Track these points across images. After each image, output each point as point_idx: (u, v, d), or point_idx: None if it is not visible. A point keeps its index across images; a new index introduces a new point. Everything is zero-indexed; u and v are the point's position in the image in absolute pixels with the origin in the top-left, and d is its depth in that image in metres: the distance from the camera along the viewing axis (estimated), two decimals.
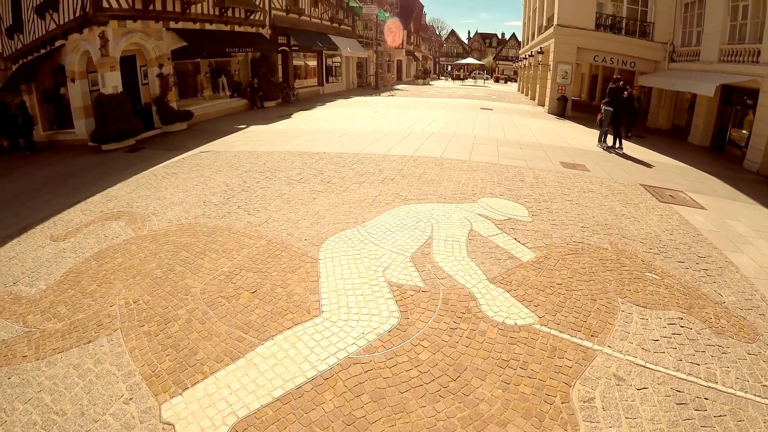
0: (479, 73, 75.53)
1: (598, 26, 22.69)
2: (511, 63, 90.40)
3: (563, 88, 23.60)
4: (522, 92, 42.02)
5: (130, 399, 3.84)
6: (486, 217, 7.10)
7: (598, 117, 14.71)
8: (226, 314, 4.76)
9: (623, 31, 22.92)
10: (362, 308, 4.75)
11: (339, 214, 7.16)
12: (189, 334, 4.48)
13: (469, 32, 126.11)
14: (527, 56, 36.65)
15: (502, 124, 17.37)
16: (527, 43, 38.44)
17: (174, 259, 6.05)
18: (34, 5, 18.48)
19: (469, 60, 77.56)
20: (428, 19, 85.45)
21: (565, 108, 23.38)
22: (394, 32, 24.71)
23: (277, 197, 8.30)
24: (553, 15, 24.43)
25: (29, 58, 20.41)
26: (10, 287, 6.03)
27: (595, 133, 15.82)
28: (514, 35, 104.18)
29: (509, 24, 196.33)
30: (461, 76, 72.89)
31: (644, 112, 22.60)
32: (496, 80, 75.17)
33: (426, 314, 4.73)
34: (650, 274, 5.73)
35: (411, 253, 5.82)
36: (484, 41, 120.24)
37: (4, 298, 5.73)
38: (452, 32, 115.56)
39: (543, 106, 26.83)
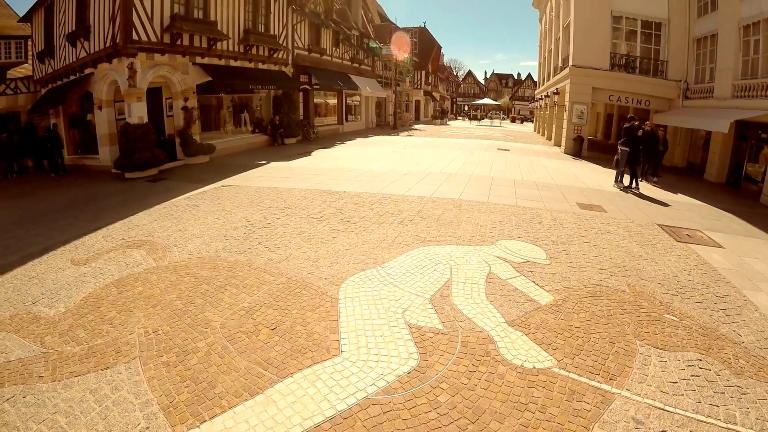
0: (496, 114, 76.15)
1: (612, 66, 22.95)
2: (527, 103, 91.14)
3: (579, 128, 23.73)
4: (538, 132, 42.24)
5: (147, 428, 3.83)
6: (504, 259, 7.08)
7: (615, 157, 14.71)
8: (245, 349, 4.75)
9: (637, 70, 23.17)
10: (382, 349, 4.74)
11: (359, 254, 7.18)
12: (208, 368, 4.48)
13: (485, 72, 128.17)
14: (543, 96, 36.92)
15: (519, 165, 17.45)
16: (543, 84, 38.81)
17: (194, 292, 6.09)
18: (66, 33, 19.39)
19: (486, 100, 78.45)
20: (446, 59, 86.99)
21: (581, 148, 23.45)
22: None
23: (297, 235, 8.34)
24: (568, 56, 24.76)
25: (58, 83, 21.25)
26: (29, 306, 6.14)
27: (610, 173, 15.80)
28: (530, 75, 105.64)
29: (524, 64, 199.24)
30: (478, 116, 73.44)
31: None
32: (513, 120, 75.63)
33: (445, 356, 4.70)
34: (668, 316, 5.68)
35: (430, 295, 5.81)
36: (501, 81, 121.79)
37: (23, 317, 5.82)
38: (469, 72, 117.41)
39: (559, 146, 26.98)
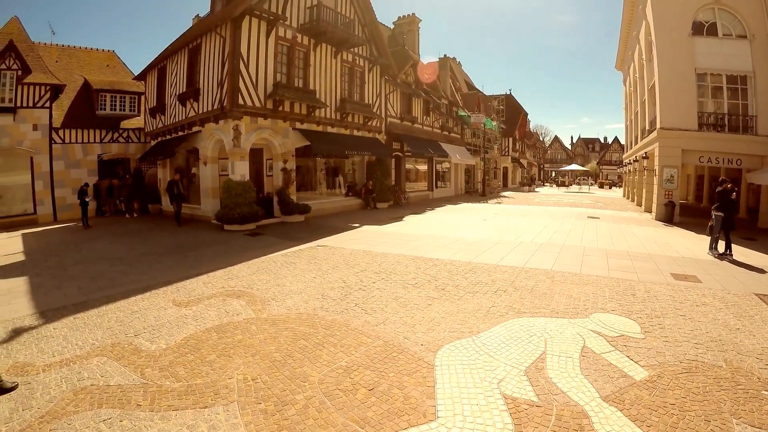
0: (584, 179, 74.50)
1: (700, 126, 21.66)
2: (615, 167, 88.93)
3: (670, 192, 22.53)
4: (627, 198, 40.63)
5: None
6: (598, 333, 6.78)
7: (709, 223, 13.92)
8: (343, 407, 4.67)
9: (726, 128, 21.78)
10: (477, 417, 4.53)
11: (454, 323, 7.07)
12: (305, 420, 4.43)
13: (571, 137, 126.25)
14: (631, 161, 35.60)
15: (610, 234, 16.81)
16: (630, 148, 37.43)
17: (293, 346, 6.13)
18: (177, 93, 21.26)
19: (574, 166, 76.96)
20: (532, 125, 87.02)
21: (672, 213, 22.13)
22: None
23: (393, 300, 8.32)
24: (655, 118, 23.78)
25: (167, 137, 23.16)
26: (130, 338, 6.53)
27: (704, 239, 14.90)
28: (616, 139, 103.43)
29: (610, 127, 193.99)
30: (566, 183, 72.20)
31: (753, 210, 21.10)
32: (601, 186, 73.52)
33: (539, 429, 4.44)
34: (767, 393, 5.21)
35: (525, 367, 5.62)
36: (587, 146, 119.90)
37: (124, 347, 6.18)
38: (555, 138, 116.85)
39: (650, 212, 25.65)
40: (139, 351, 6.09)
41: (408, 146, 29.56)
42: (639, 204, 31.68)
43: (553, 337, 6.55)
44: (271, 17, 18.52)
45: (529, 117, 74.06)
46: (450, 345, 6.21)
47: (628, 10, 33.17)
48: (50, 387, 5.16)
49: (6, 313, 8.11)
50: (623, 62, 40.73)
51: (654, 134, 23.53)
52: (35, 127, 23.38)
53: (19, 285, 10.14)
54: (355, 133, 25.18)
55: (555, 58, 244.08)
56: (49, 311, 8.09)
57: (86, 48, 31.45)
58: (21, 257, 13.76)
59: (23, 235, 18.91)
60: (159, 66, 24.30)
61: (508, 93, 64.59)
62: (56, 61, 28.24)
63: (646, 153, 27.36)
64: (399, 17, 36.55)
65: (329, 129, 23.03)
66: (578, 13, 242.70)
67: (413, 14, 35.73)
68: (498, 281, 9.58)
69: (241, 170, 17.93)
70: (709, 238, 13.92)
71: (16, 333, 7.02)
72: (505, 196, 40.26)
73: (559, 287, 9.17)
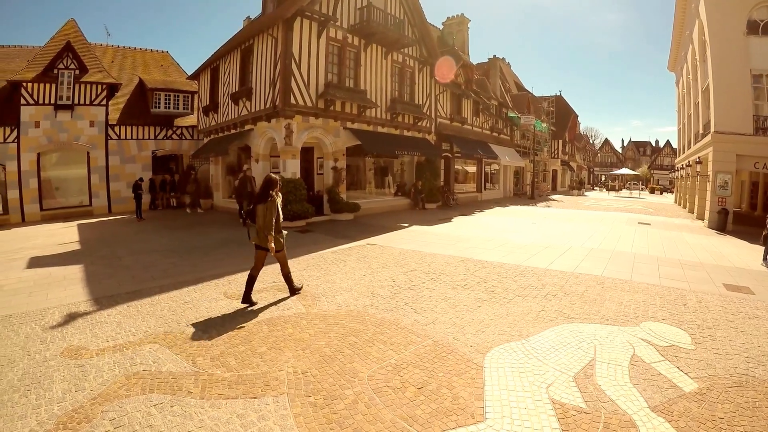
0: (634, 184, 72.46)
1: (756, 130, 20.42)
2: (666, 172, 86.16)
3: (723, 199, 21.47)
4: (679, 204, 39.08)
5: None
6: (648, 342, 6.52)
7: (764, 233, 13.24)
8: (391, 404, 4.63)
9: None
10: (525, 421, 4.46)
11: (503, 326, 6.94)
12: (354, 415, 4.39)
13: (622, 140, 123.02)
14: (683, 166, 34.26)
15: (661, 241, 16.19)
16: (683, 152, 36.00)
17: (343, 342, 6.13)
18: (230, 92, 21.70)
19: (624, 170, 74.67)
20: (582, 128, 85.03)
21: (725, 221, 21.06)
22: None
23: (442, 300, 8.25)
24: (709, 121, 22.73)
25: (220, 135, 23.69)
26: (183, 327, 6.69)
27: (757, 250, 14.20)
28: (668, 142, 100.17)
29: (662, 130, 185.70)
30: (616, 187, 70.20)
31: None
32: (652, 191, 71.23)
33: None
34: None
35: (574, 373, 5.47)
36: (638, 150, 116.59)
37: (176, 335, 6.34)
38: (606, 141, 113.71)
39: (702, 219, 24.50)
40: (190, 340, 6.20)
41: (457, 147, 29.33)
42: (691, 211, 30.52)
43: (602, 344, 6.41)
44: (322, 18, 18.62)
45: (579, 119, 72.32)
46: (499, 347, 6.13)
47: (681, 9, 32.13)
48: (103, 370, 5.27)
49: (62, 298, 8.38)
50: (676, 63, 39.36)
51: (708, 138, 22.54)
52: (92, 124, 24.53)
53: (75, 272, 10.47)
54: (405, 133, 25.06)
55: (604, 57, 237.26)
56: (103, 298, 8.30)
57: (141, 49, 32.57)
58: (77, 246, 14.28)
59: (79, 225, 19.69)
60: (212, 66, 24.85)
61: (558, 94, 63.11)
62: (112, 61, 29.34)
63: (699, 158, 26.24)
64: (448, 17, 36.28)
65: (380, 129, 23.01)
66: (628, 12, 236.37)
67: (462, 14, 35.48)
68: (548, 285, 9.42)
69: (292, 168, 18.09)
70: (763, 248, 13.28)
71: (72, 317, 7.21)
72: (554, 200, 39.49)
73: (609, 294, 8.93)
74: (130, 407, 4.44)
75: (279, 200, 8.04)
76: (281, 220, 8.12)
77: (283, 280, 8.53)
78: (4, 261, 12.19)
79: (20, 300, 8.37)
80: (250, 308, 7.59)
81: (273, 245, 7.69)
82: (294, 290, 8.43)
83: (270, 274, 9.83)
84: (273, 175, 8.03)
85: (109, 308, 7.67)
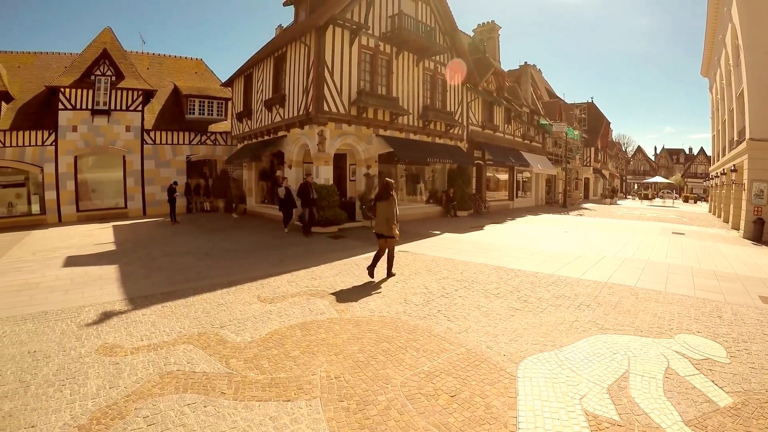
0: (667, 193, 70.96)
1: None
2: (700, 181, 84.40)
3: (759, 209, 20.62)
4: (713, 213, 37.77)
5: None
6: (683, 355, 6.31)
7: None
8: (424, 411, 4.56)
9: None
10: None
11: (537, 335, 6.81)
12: (387, 421, 4.35)
13: (655, 148, 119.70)
14: (718, 174, 33.22)
15: (695, 251, 15.74)
16: (717, 159, 34.76)
17: (375, 348, 6.09)
18: (263, 99, 22.00)
19: (657, 179, 72.86)
20: (614, 135, 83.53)
21: (761, 232, 20.27)
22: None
23: (475, 308, 8.15)
24: (744, 128, 21.94)
25: (253, 141, 24.02)
26: (216, 329, 6.72)
27: None
28: (702, 150, 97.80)
29: (695, 137, 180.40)
30: (649, 196, 68.74)
31: None
32: (685, 200, 69.35)
33: None
34: None
35: (608, 385, 5.34)
36: (671, 157, 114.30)
37: (210, 337, 6.38)
38: (638, 149, 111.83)
39: (737, 229, 23.64)
40: (224, 342, 6.23)
41: (489, 155, 29.12)
42: (726, 220, 29.56)
43: (636, 356, 6.25)
44: (354, 26, 18.71)
45: (611, 126, 71.16)
46: (532, 357, 6.02)
47: (713, 13, 31.33)
48: (137, 369, 5.32)
49: (98, 296, 8.52)
50: (709, 68, 38.34)
51: (743, 146, 21.81)
52: (128, 129, 25.30)
53: (111, 272, 10.66)
54: (437, 140, 24.95)
55: (636, 63, 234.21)
56: (138, 298, 8.41)
57: (175, 56, 33.34)
58: (112, 247, 14.56)
59: (114, 226, 20.19)
60: (245, 73, 25.16)
61: (590, 101, 61.97)
62: (147, 68, 30.16)
63: (734, 166, 25.42)
64: (478, 25, 36.22)
65: (411, 136, 22.98)
66: (659, 15, 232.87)
67: (493, 21, 35.35)
68: (581, 295, 9.23)
69: (325, 174, 18.18)
70: None
71: (107, 316, 7.31)
72: (586, 208, 38.89)
73: (643, 305, 8.71)
74: (164, 406, 4.47)
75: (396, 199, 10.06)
76: (397, 213, 10.12)
77: (316, 285, 8.55)
78: (41, 259, 12.49)
79: (56, 297, 8.54)
80: (284, 312, 7.59)
81: (397, 232, 10.06)
82: (390, 273, 10.35)
83: (302, 278, 9.94)
84: (390, 180, 10.34)
85: (144, 308, 7.76)
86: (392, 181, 10.44)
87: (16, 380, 5.06)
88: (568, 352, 6.20)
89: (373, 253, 11.47)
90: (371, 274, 10.07)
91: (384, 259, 10.54)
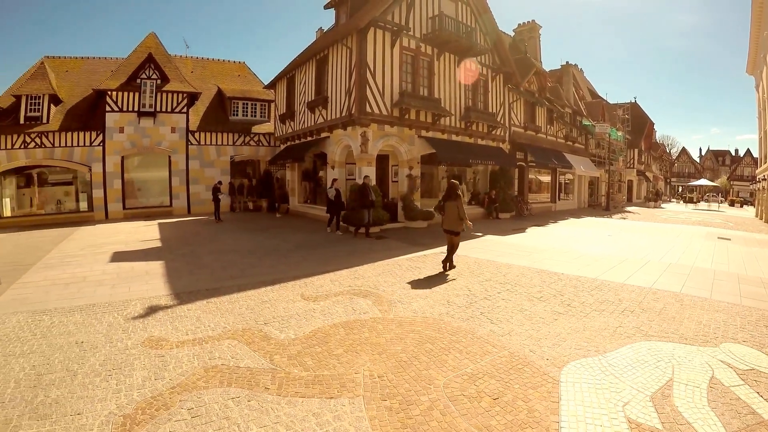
0: (713, 196, 68.59)
1: None
2: (747, 183, 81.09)
3: None
4: (760, 218, 35.90)
5: None
6: (728, 364, 6.07)
7: None
8: (466, 413, 4.52)
9: None
10: None
11: (580, 340, 6.66)
12: (429, 421, 4.34)
13: (700, 149, 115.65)
14: (765, 177, 31.99)
15: (742, 257, 15.10)
16: (764, 162, 33.31)
17: (419, 348, 6.06)
18: (306, 101, 22.27)
19: (703, 181, 70.24)
20: (658, 136, 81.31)
21: None
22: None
23: (518, 311, 8.04)
24: None
25: (296, 142, 24.38)
26: (260, 325, 6.83)
27: None
28: (749, 151, 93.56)
29: (741, 138, 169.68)
30: (694, 199, 66.51)
31: None
32: (731, 203, 66.75)
33: None
34: None
35: (651, 393, 5.20)
36: (717, 159, 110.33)
37: (254, 333, 6.48)
38: (683, 150, 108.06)
39: None
40: (268, 338, 6.30)
41: (532, 156, 28.71)
42: None
43: (681, 364, 6.06)
44: (395, 28, 18.70)
45: (655, 126, 69.13)
46: (576, 362, 5.91)
47: (757, 9, 29.98)
48: (182, 362, 5.42)
49: (144, 291, 8.73)
50: (755, 65, 36.74)
51: None
52: (173, 130, 26.03)
53: (156, 268, 10.92)
54: (479, 141, 24.75)
55: (678, 62, 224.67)
56: (183, 293, 8.57)
57: (219, 60, 34.05)
58: (158, 244, 14.94)
59: (159, 224, 20.78)
60: (288, 75, 25.48)
61: (633, 101, 59.96)
62: (191, 72, 30.91)
63: None
64: (519, 24, 35.84)
65: (453, 137, 22.85)
66: (701, 12, 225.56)
67: (533, 21, 34.98)
68: (625, 301, 9.02)
69: (368, 175, 18.11)
70: None
71: (153, 310, 7.47)
72: (629, 211, 37.93)
73: (688, 312, 8.42)
74: (208, 398, 4.54)
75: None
76: (465, 211, 11.20)
77: (359, 284, 8.61)
78: (89, 254, 12.88)
79: (104, 291, 8.79)
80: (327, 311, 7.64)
81: (464, 227, 11.18)
82: (452, 265, 11.26)
83: (345, 277, 10.01)
84: (456, 181, 11.66)
85: (189, 303, 7.90)
86: (458, 182, 11.73)
87: (64, 369, 5.21)
88: (612, 358, 6.08)
89: (418, 253, 11.99)
90: (444, 268, 11.08)
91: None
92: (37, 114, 23.51)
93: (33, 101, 23.59)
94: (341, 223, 17.61)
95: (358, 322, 7.02)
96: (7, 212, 22.84)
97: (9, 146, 22.30)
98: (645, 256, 14.41)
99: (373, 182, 18.12)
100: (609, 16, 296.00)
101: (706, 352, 6.45)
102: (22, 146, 22.53)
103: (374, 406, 4.55)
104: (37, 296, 8.51)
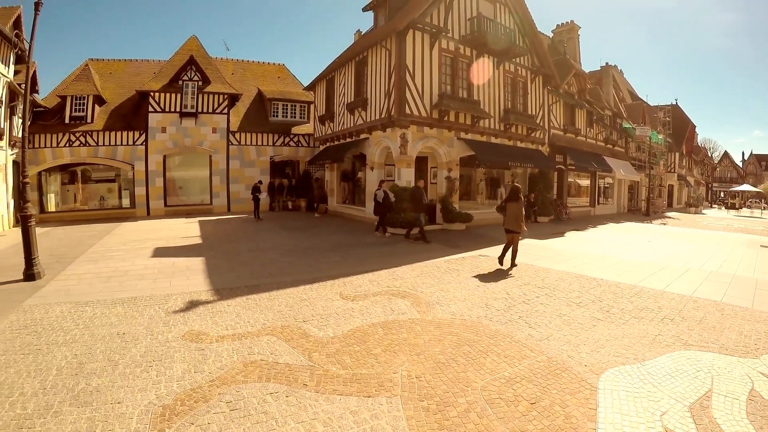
0: (756, 202, 66.14)
1: None
2: None
3: None
4: None
5: None
6: None
7: None
8: (504, 416, 4.49)
9: None
10: None
11: (619, 347, 6.52)
12: (466, 423, 4.31)
13: (743, 153, 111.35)
14: None
15: None
16: None
17: (456, 351, 6.03)
18: (345, 102, 22.43)
19: (745, 186, 67.25)
20: (699, 139, 78.78)
21: None
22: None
23: (557, 316, 7.93)
24: None
25: (336, 143, 24.57)
26: (299, 323, 6.91)
27: None
28: None
29: None
30: (736, 205, 64.10)
31: None
32: None
33: None
34: None
35: (690, 403, 5.06)
36: (760, 163, 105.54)
37: (293, 330, 6.55)
38: (725, 154, 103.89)
39: None
40: (307, 336, 6.35)
41: (571, 159, 28.16)
42: None
43: (720, 374, 5.87)
44: (434, 30, 18.68)
45: (696, 129, 66.99)
46: (614, 369, 5.79)
47: None
48: (222, 356, 5.49)
49: (185, 286, 8.90)
50: None
51: None
52: (214, 130, 26.61)
53: (197, 264, 11.12)
54: (518, 144, 24.49)
55: (719, 62, 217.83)
56: (223, 289, 8.71)
57: (259, 62, 34.56)
58: (198, 240, 15.21)
59: (200, 221, 21.19)
60: (327, 77, 25.68)
61: (674, 103, 57.95)
62: (232, 74, 31.49)
63: None
64: (557, 25, 35.39)
65: (492, 139, 22.65)
66: (743, 11, 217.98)
67: (572, 21, 34.45)
68: (665, 308, 8.78)
69: (407, 177, 18.27)
70: None
71: (193, 305, 7.61)
72: (669, 217, 36.91)
73: (729, 321, 8.13)
74: (247, 393, 4.60)
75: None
76: (524, 213, 12.03)
77: (397, 285, 8.58)
78: (131, 249, 13.22)
79: (145, 285, 9.00)
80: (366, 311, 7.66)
81: (525, 228, 12.15)
82: (514, 264, 11.96)
83: (384, 278, 10.06)
84: (518, 185, 12.43)
85: (229, 299, 8.01)
86: (520, 185, 12.80)
87: (105, 359, 5.35)
88: (651, 367, 5.94)
89: (456, 256, 12.21)
90: (500, 262, 11.93)
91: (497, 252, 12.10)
92: (81, 114, 24.38)
93: (78, 102, 24.50)
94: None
95: (397, 323, 7.02)
96: (52, 207, 23.78)
97: (54, 144, 23.18)
98: (685, 263, 14.05)
99: (413, 184, 17.87)
100: (648, 16, 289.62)
101: (746, 363, 6.25)
102: (67, 144, 23.40)
103: (412, 406, 4.55)
104: (80, 288, 8.78)
